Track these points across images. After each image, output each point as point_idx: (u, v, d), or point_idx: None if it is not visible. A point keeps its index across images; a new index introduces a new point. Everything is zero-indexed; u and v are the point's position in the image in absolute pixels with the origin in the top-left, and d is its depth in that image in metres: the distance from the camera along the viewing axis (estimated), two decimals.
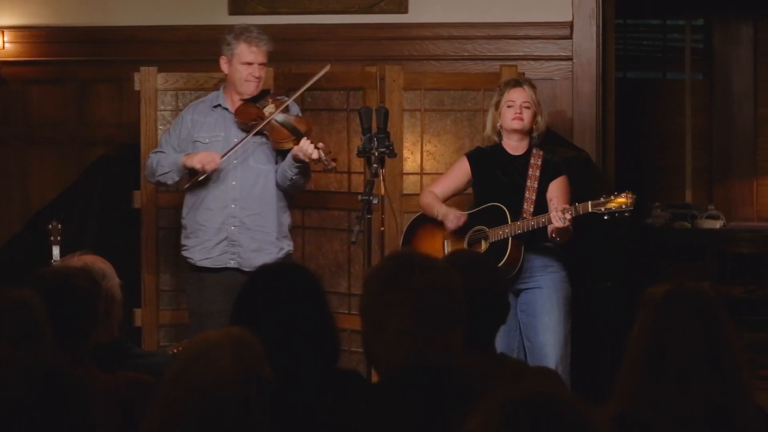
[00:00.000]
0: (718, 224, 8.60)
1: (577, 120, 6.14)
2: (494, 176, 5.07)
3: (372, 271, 2.69)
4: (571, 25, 6.20)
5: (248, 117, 5.08)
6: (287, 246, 5.17)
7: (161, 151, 5.18)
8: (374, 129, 4.77)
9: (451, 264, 3.04)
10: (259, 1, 6.44)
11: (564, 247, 5.01)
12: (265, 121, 5.03)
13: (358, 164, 5.57)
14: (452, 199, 5.24)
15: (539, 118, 5.07)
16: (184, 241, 5.19)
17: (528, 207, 4.96)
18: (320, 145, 4.94)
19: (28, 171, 6.70)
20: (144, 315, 5.72)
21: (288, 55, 6.27)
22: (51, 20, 6.59)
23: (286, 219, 5.19)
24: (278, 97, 5.18)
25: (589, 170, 5.77)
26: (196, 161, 4.99)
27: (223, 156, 5.00)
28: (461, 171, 5.17)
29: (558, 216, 4.73)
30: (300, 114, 5.23)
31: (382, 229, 5.18)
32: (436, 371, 2.46)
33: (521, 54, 6.21)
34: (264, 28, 6.29)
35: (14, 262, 6.16)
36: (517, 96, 5.03)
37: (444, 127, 5.68)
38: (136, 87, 5.75)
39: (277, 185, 5.10)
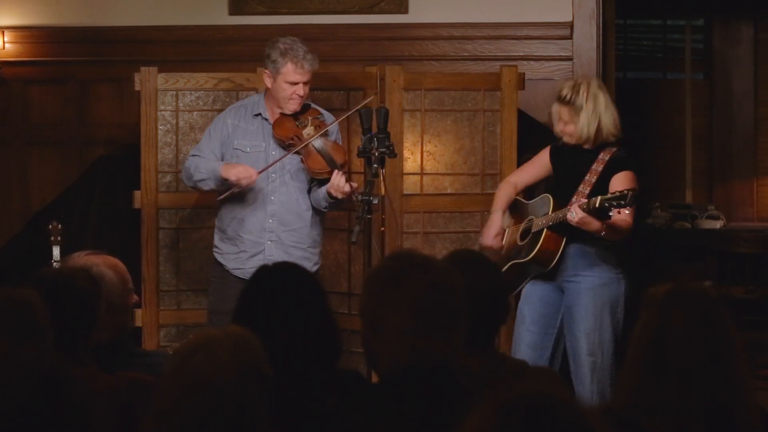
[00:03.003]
0: (718, 224, 8.60)
1: None
2: (565, 166, 4.99)
3: (372, 271, 2.69)
4: (571, 25, 6.20)
5: (286, 134, 5.03)
6: (318, 258, 5.18)
7: (199, 155, 5.09)
8: (374, 129, 4.77)
9: (451, 263, 3.04)
10: (259, 2, 6.44)
11: (618, 244, 4.87)
12: (303, 144, 4.98)
13: (358, 164, 5.56)
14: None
15: (582, 123, 4.87)
16: (218, 244, 5.16)
17: (577, 199, 4.81)
18: (354, 184, 4.94)
19: (28, 171, 6.70)
20: (144, 315, 5.71)
21: None
22: (51, 20, 6.59)
23: (318, 232, 5.17)
24: (318, 116, 5.10)
25: None
26: (233, 174, 4.91)
27: (259, 172, 4.94)
28: (542, 160, 5.10)
29: (571, 212, 4.65)
30: (338, 136, 5.18)
31: (383, 229, 5.18)
32: (436, 371, 2.46)
33: (521, 54, 6.21)
34: (264, 28, 6.32)
35: (14, 262, 6.16)
36: (556, 112, 4.93)
37: (444, 128, 5.68)
38: (136, 87, 5.75)
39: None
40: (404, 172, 5.65)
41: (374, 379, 2.85)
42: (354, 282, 5.64)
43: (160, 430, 2.19)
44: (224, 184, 4.98)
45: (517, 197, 5.14)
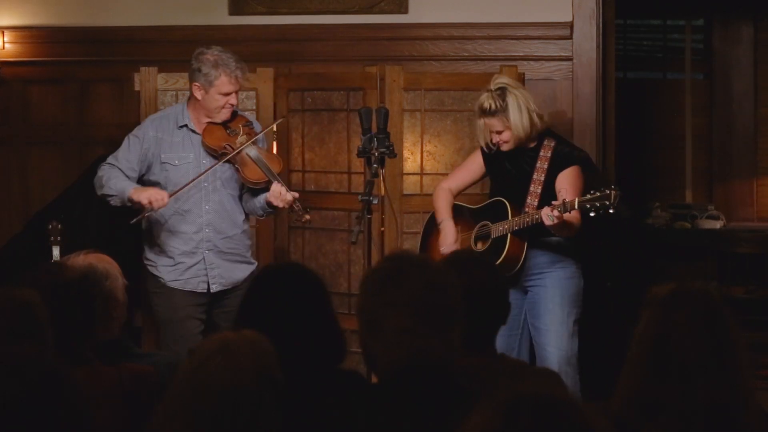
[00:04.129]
0: (718, 224, 8.60)
1: (577, 120, 6.13)
2: (504, 168, 5.00)
3: (369, 271, 2.70)
4: (571, 25, 6.20)
5: (217, 143, 4.99)
6: (253, 265, 5.17)
7: (115, 165, 5.04)
8: (374, 129, 4.76)
9: (450, 264, 3.05)
10: (259, 1, 6.44)
11: (576, 239, 4.89)
12: (235, 152, 4.96)
13: (358, 164, 5.56)
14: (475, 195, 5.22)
15: (516, 124, 4.88)
16: (150, 256, 5.13)
17: (531, 201, 4.86)
18: (296, 194, 4.93)
19: (28, 171, 6.70)
20: (144, 315, 5.71)
21: (288, 55, 6.28)
22: (51, 20, 6.59)
23: (249, 237, 5.22)
24: (247, 124, 5.08)
25: (589, 170, 5.76)
26: (144, 198, 4.87)
27: (172, 194, 4.89)
28: (475, 163, 5.12)
29: (547, 214, 4.62)
30: (268, 146, 5.17)
31: (382, 229, 5.18)
32: (434, 370, 2.46)
33: (521, 54, 6.21)
34: (264, 28, 6.32)
35: (14, 262, 6.15)
36: (487, 125, 4.93)
37: (444, 128, 5.68)
38: (136, 87, 5.75)
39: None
40: (404, 172, 5.65)
41: (374, 379, 2.84)
42: (354, 282, 5.64)
43: (170, 430, 2.19)
44: (133, 204, 4.93)
45: (459, 203, 5.14)
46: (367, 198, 4.58)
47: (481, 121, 4.95)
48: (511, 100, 4.88)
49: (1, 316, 2.77)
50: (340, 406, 2.50)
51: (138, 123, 5.68)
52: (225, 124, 5.04)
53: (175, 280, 5.05)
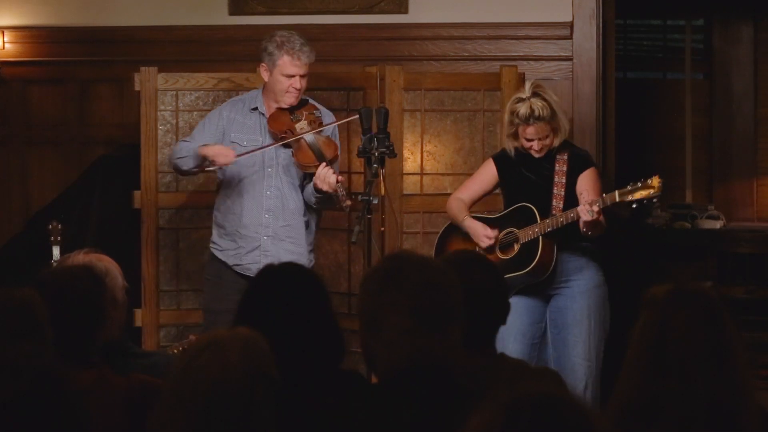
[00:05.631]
0: (718, 224, 8.60)
1: (577, 120, 6.13)
2: (521, 175, 4.94)
3: (368, 271, 2.70)
4: (571, 25, 6.20)
5: (279, 128, 5.01)
6: (314, 258, 5.16)
7: (188, 141, 5.07)
8: (374, 129, 4.76)
9: (450, 263, 3.04)
10: (259, 2, 6.44)
11: (600, 245, 4.86)
12: (294, 137, 4.97)
13: (358, 164, 5.57)
14: (483, 200, 5.18)
15: (561, 126, 4.86)
16: (217, 240, 5.13)
17: (557, 203, 4.82)
18: (340, 178, 4.90)
19: (28, 171, 6.70)
20: (144, 315, 5.72)
21: None
22: (51, 20, 6.59)
23: (313, 233, 5.16)
24: (314, 112, 5.08)
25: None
26: (210, 152, 4.89)
27: (239, 155, 4.92)
28: (488, 174, 5.06)
29: (586, 209, 4.59)
30: (334, 135, 5.11)
31: (382, 229, 5.18)
32: (434, 370, 2.46)
33: (521, 54, 6.21)
34: (264, 29, 6.30)
35: (14, 262, 6.16)
36: (532, 133, 4.84)
37: (444, 128, 5.68)
38: (136, 87, 5.75)
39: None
40: (404, 172, 5.65)
41: (374, 379, 2.85)
42: (354, 282, 5.64)
43: (165, 427, 2.19)
44: (202, 162, 4.94)
45: (476, 214, 5.06)
46: (367, 198, 4.58)
47: (521, 129, 4.84)
48: (554, 106, 4.85)
49: (2, 316, 2.77)
50: (339, 406, 2.50)
51: (138, 123, 5.69)
52: (292, 110, 5.04)
53: (237, 265, 5.04)
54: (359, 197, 4.65)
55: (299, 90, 5.01)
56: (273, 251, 5.00)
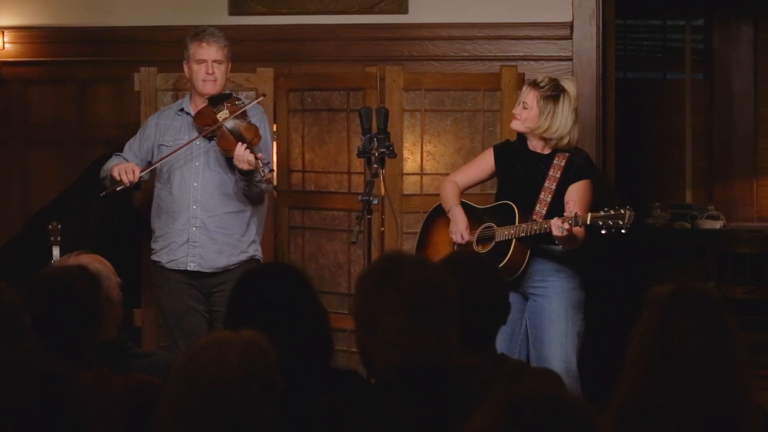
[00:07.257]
0: (718, 224, 8.60)
1: None
2: (514, 171, 4.92)
3: (364, 271, 2.70)
4: (571, 25, 6.20)
5: (204, 122, 5.07)
6: (253, 251, 5.14)
7: (121, 155, 5.17)
8: (374, 129, 4.76)
9: (450, 263, 3.05)
10: (259, 2, 6.44)
11: (580, 251, 4.82)
12: (215, 126, 5.01)
13: (358, 164, 5.57)
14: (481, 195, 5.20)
15: (548, 124, 4.80)
16: (153, 245, 5.19)
17: (540, 209, 4.78)
18: (259, 155, 4.89)
19: (28, 171, 6.70)
20: (144, 315, 5.72)
21: (288, 55, 6.28)
22: (51, 20, 6.59)
23: (254, 226, 5.16)
24: (236, 102, 5.11)
25: (598, 186, 5.72)
26: (115, 171, 4.98)
27: (143, 170, 5.00)
28: (486, 163, 5.04)
29: (557, 224, 4.55)
30: (258, 120, 5.11)
31: (382, 229, 5.18)
32: (431, 369, 2.46)
33: (521, 54, 6.20)
34: (264, 29, 6.32)
35: (14, 262, 6.16)
36: (523, 96, 4.86)
37: (444, 128, 5.68)
38: (136, 87, 5.75)
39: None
40: (404, 172, 5.65)
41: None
42: (354, 282, 5.63)
43: (166, 425, 2.20)
44: (114, 181, 5.01)
45: (465, 201, 5.06)
46: (367, 198, 4.58)
47: (523, 89, 4.89)
48: (563, 98, 4.79)
49: None
50: (338, 406, 2.50)
51: (138, 123, 5.69)
52: (216, 105, 5.08)
53: (171, 261, 5.07)
54: (359, 197, 4.65)
55: (214, 76, 5.06)
56: (202, 242, 5.04)
